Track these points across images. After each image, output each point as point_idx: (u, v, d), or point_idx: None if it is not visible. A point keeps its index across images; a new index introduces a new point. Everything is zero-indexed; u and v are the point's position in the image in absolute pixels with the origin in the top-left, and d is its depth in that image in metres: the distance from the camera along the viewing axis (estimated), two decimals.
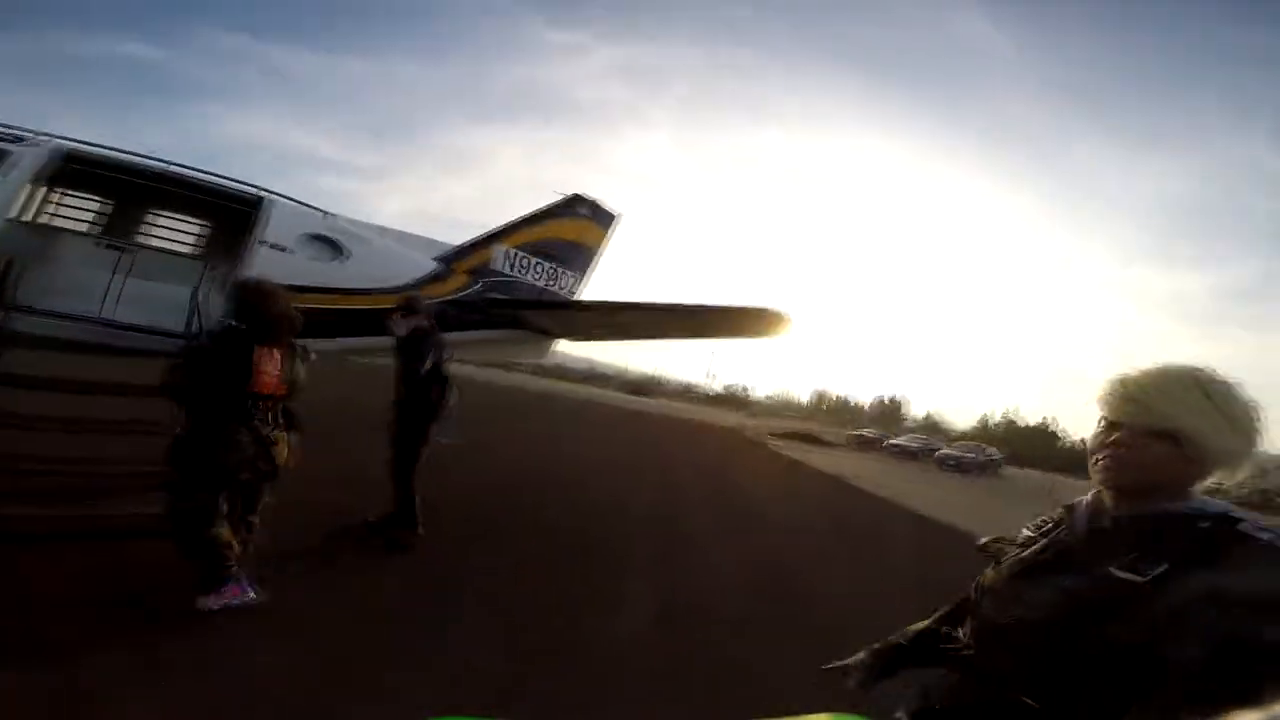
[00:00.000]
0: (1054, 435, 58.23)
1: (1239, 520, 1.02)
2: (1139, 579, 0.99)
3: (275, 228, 5.78)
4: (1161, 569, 0.99)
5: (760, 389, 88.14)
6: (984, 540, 1.32)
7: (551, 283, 9.09)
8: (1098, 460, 1.12)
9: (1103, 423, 1.12)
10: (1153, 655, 0.94)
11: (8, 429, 3.95)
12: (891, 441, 34.62)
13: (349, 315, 6.08)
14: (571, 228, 9.28)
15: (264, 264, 5.44)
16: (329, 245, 6.19)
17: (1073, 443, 52.82)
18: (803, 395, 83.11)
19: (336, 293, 6.06)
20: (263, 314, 3.33)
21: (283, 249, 5.72)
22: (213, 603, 3.07)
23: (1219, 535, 1.00)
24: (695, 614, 4.10)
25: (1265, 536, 0.99)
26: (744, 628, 4.01)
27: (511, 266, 8.49)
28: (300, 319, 3.45)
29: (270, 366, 3.28)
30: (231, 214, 6.18)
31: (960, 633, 1.25)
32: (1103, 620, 1.00)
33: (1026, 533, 1.24)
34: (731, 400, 72.79)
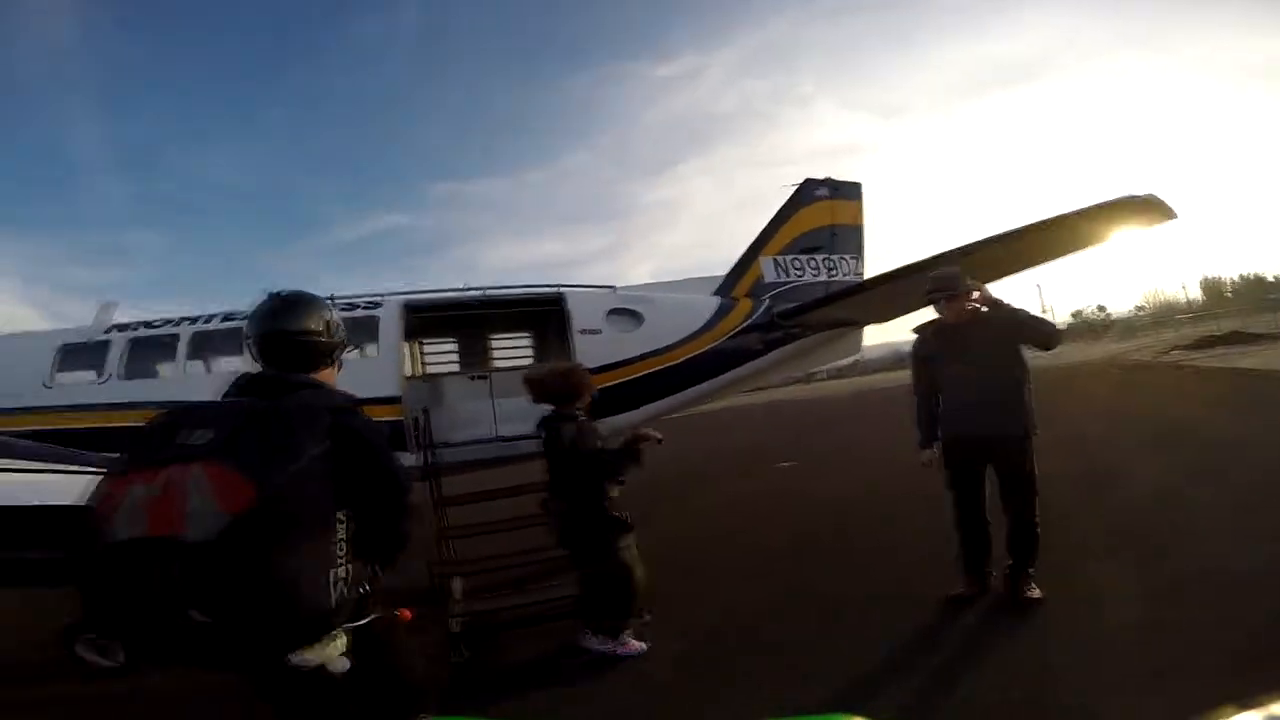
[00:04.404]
0: None
1: None
2: None
3: (581, 314, 6.41)
4: None
5: (1118, 304, 68.20)
6: None
7: (831, 273, 8.50)
8: None
9: None
10: None
11: (461, 539, 4.92)
12: None
13: (668, 374, 6.43)
14: (819, 212, 8.69)
15: (587, 349, 6.05)
16: (629, 315, 6.70)
17: None
18: (1181, 291, 62.66)
19: (650, 357, 6.45)
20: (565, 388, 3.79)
21: (596, 331, 6.34)
22: (613, 648, 3.48)
23: None
24: None
25: None
26: None
27: (784, 273, 8.19)
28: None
29: None
30: (544, 315, 7.12)
31: None
32: None
33: None
34: (1086, 330, 56.71)
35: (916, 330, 4.05)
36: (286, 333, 1.80)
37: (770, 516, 6.51)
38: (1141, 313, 60.30)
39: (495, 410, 6.76)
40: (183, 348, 6.02)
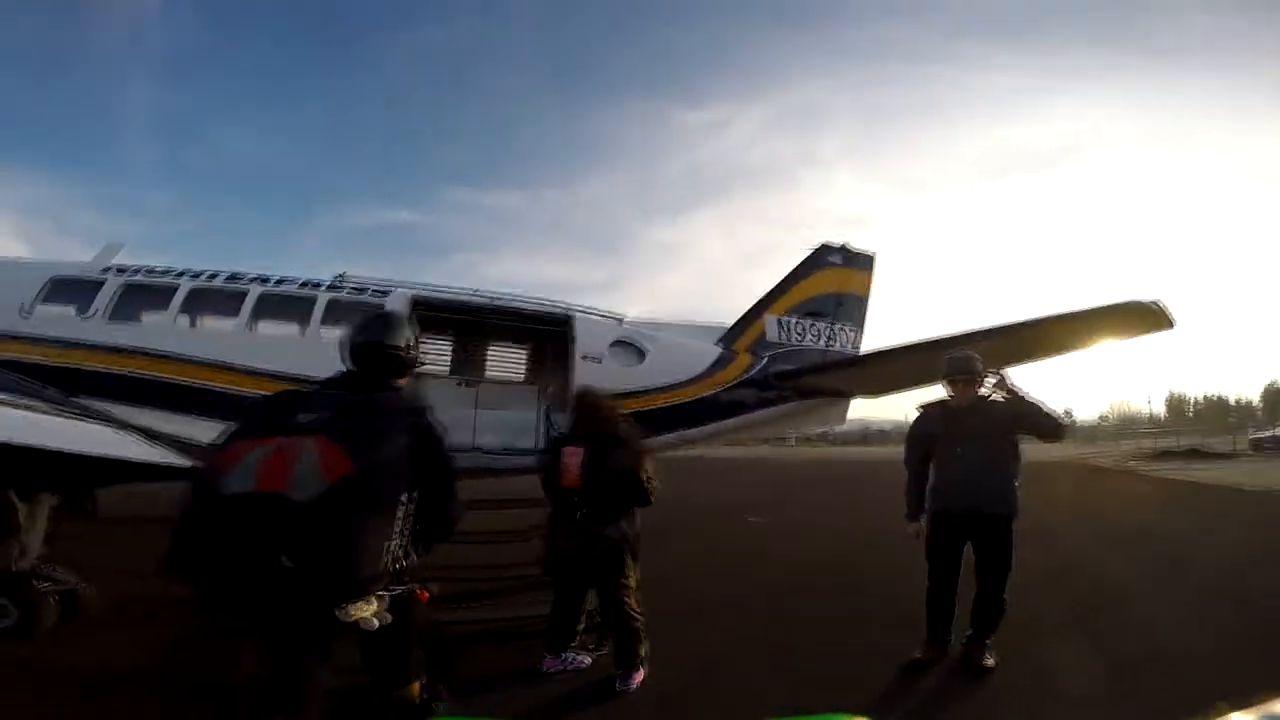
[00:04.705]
0: None
1: None
2: None
3: (586, 340, 6.38)
4: None
5: (1083, 409, 70.57)
6: None
7: (830, 341, 8.60)
8: None
9: None
10: None
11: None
12: None
13: (659, 414, 6.40)
14: (830, 279, 8.78)
15: (587, 376, 6.01)
16: (632, 349, 6.70)
17: None
18: (1146, 404, 64.81)
19: (645, 394, 6.43)
20: (591, 418, 3.77)
21: (597, 360, 6.31)
22: (554, 665, 3.57)
23: None
24: None
25: None
26: None
27: (786, 334, 8.27)
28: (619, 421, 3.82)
29: (571, 464, 3.60)
30: (547, 334, 7.07)
31: None
32: None
33: None
34: None
35: (921, 408, 4.22)
36: (381, 345, 2.20)
37: (745, 567, 6.69)
38: (1104, 421, 62.36)
39: (477, 420, 6.67)
40: (177, 300, 5.84)
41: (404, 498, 1.95)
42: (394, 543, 1.92)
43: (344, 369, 2.21)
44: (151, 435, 4.78)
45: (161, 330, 5.78)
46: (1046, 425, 3.88)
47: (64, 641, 3.80)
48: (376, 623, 1.88)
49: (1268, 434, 31.67)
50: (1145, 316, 5.98)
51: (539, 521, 4.38)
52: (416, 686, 2.16)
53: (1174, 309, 5.88)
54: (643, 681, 3.47)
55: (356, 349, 2.19)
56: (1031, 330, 6.67)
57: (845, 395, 8.25)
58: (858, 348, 8.81)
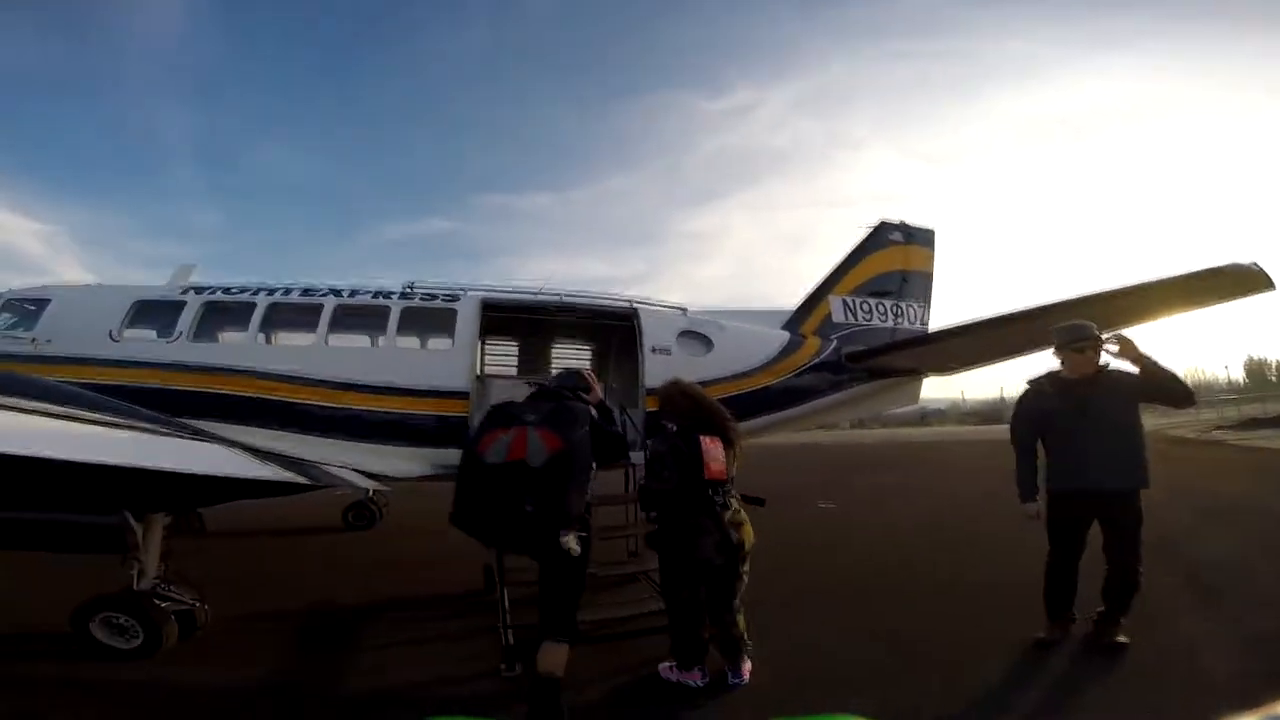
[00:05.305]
0: None
1: None
2: None
3: (654, 333, 6.27)
4: None
5: None
6: None
7: (898, 319, 8.30)
8: None
9: None
10: None
11: None
12: None
13: (731, 403, 6.21)
14: (891, 257, 8.51)
15: (655, 369, 5.92)
16: (699, 339, 6.56)
17: None
18: (1224, 370, 60.65)
19: (717, 383, 6.26)
20: (698, 409, 3.64)
21: (667, 351, 6.20)
22: (672, 675, 3.41)
23: None
24: None
25: None
26: None
27: (852, 315, 8.01)
28: (725, 410, 3.77)
29: (716, 454, 3.43)
30: (613, 329, 7.00)
31: None
32: None
33: None
34: None
35: (1031, 382, 3.98)
36: (574, 375, 3.69)
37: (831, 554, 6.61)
38: None
39: None
40: (256, 316, 5.99)
41: (592, 467, 3.13)
42: (588, 496, 3.12)
43: (547, 382, 3.68)
44: (255, 453, 4.90)
45: (243, 347, 5.94)
46: (1179, 391, 3.62)
47: (187, 659, 3.85)
48: (579, 549, 2.95)
49: None
50: (1244, 279, 5.56)
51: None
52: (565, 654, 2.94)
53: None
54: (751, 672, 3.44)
55: (560, 379, 3.69)
56: (1125, 298, 6.21)
57: (919, 374, 7.96)
58: (926, 324, 8.50)
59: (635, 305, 6.57)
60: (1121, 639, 3.61)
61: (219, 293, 6.29)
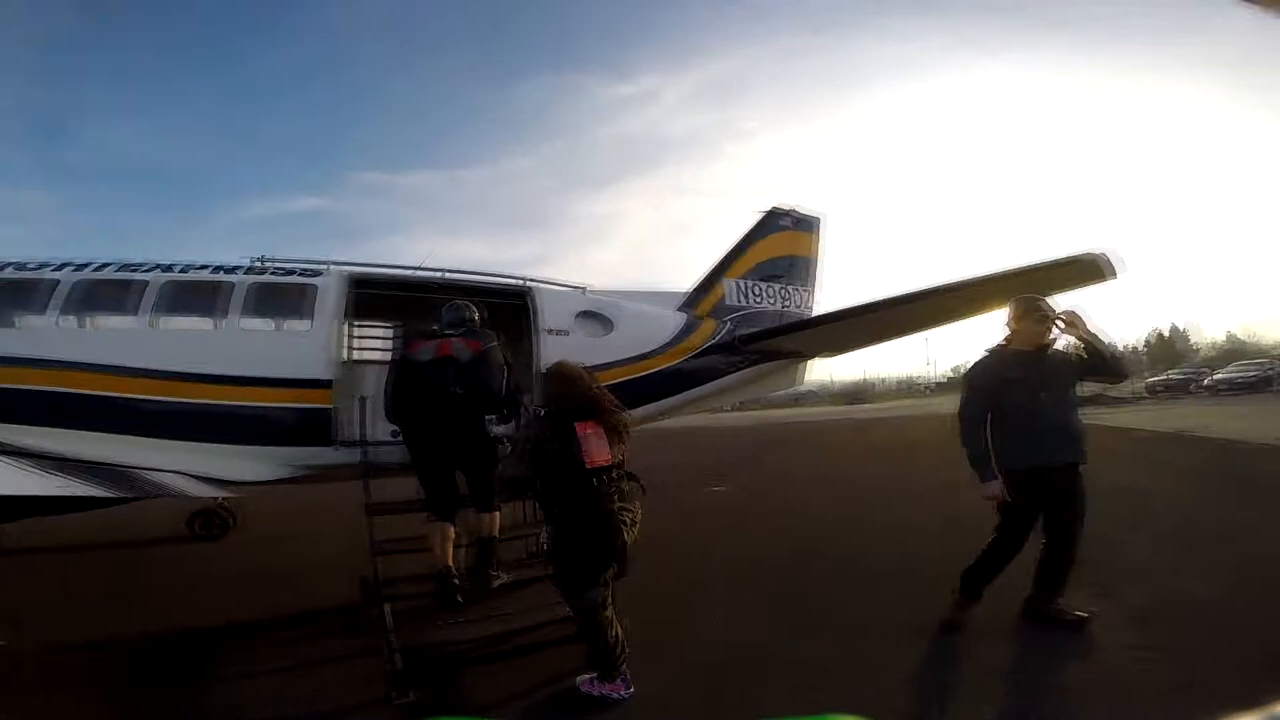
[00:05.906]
0: None
1: None
2: None
3: (550, 313, 5.92)
4: None
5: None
6: None
7: (785, 303, 8.55)
8: None
9: None
10: None
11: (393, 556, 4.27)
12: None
13: (628, 386, 6.01)
14: (781, 242, 8.76)
15: (552, 350, 5.57)
16: (599, 320, 6.28)
17: None
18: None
19: (618, 365, 6.04)
20: (575, 394, 3.30)
21: (565, 333, 5.86)
22: (594, 689, 3.07)
23: None
24: None
25: None
26: None
27: (744, 298, 8.13)
28: (608, 394, 3.44)
29: (596, 442, 3.17)
30: (505, 309, 6.50)
31: None
32: None
33: None
34: (960, 384, 62.56)
35: (991, 351, 3.81)
36: (462, 309, 4.66)
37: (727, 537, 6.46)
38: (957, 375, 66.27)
39: None
40: (59, 296, 4.89)
41: (506, 369, 4.27)
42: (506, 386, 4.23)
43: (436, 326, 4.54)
44: (46, 459, 3.98)
45: (44, 333, 4.84)
46: (1118, 368, 3.73)
47: None
48: (502, 430, 4.03)
49: (1161, 378, 33.80)
50: (1090, 268, 5.96)
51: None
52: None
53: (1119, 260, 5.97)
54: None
55: (449, 315, 4.58)
56: (980, 287, 6.53)
57: (806, 356, 8.23)
58: (810, 309, 8.82)
59: (530, 284, 6.17)
60: (1081, 613, 3.56)
61: (9, 269, 5.10)
